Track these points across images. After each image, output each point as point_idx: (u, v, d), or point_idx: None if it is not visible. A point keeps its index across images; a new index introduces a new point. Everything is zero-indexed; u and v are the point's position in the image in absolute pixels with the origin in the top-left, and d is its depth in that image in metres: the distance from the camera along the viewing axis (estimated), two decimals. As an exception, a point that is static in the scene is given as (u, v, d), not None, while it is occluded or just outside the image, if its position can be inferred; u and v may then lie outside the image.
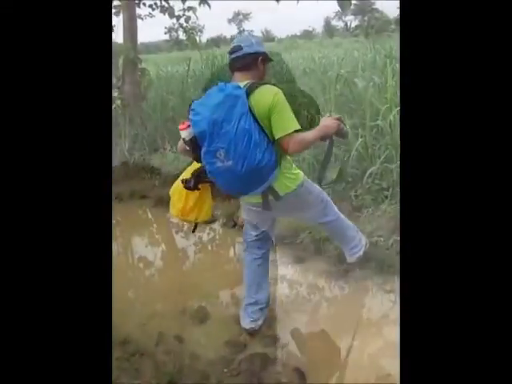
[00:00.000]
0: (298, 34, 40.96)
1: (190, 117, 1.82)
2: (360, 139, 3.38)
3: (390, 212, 2.96)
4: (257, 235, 2.19)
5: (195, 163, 2.02)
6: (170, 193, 2.13)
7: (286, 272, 2.80)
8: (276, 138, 1.78)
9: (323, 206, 2.19)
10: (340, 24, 45.22)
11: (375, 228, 2.82)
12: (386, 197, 3.12)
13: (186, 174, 2.05)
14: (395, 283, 2.48)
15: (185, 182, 2.01)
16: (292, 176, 1.97)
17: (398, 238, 2.73)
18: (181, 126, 1.87)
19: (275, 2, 5.71)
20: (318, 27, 45.61)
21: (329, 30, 44.44)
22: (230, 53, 1.91)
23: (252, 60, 1.88)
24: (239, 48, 1.87)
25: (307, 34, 39.21)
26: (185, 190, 2.02)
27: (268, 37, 41.54)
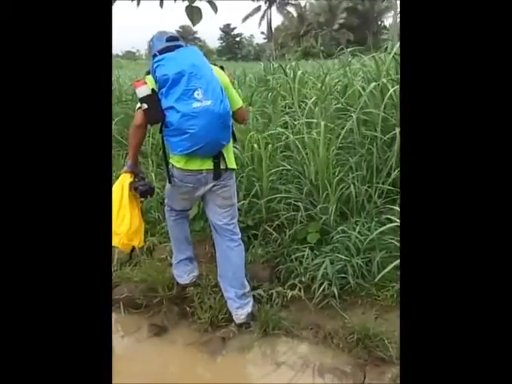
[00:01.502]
0: (120, 54, 39.27)
1: (160, 63, 1.89)
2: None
3: (263, 256, 2.54)
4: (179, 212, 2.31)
5: (123, 177, 2.03)
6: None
7: (141, 349, 2.10)
8: (237, 107, 2.07)
9: (235, 213, 2.24)
10: (163, 49, 45.11)
11: (249, 277, 2.34)
12: (255, 236, 2.70)
13: (117, 188, 1.98)
14: (285, 351, 2.04)
15: (135, 189, 2.00)
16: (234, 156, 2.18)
17: (280, 289, 2.31)
18: (136, 83, 1.89)
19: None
20: (142, 49, 44.48)
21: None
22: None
23: None
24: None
25: (130, 56, 37.93)
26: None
27: (87, 54, 38.68)
